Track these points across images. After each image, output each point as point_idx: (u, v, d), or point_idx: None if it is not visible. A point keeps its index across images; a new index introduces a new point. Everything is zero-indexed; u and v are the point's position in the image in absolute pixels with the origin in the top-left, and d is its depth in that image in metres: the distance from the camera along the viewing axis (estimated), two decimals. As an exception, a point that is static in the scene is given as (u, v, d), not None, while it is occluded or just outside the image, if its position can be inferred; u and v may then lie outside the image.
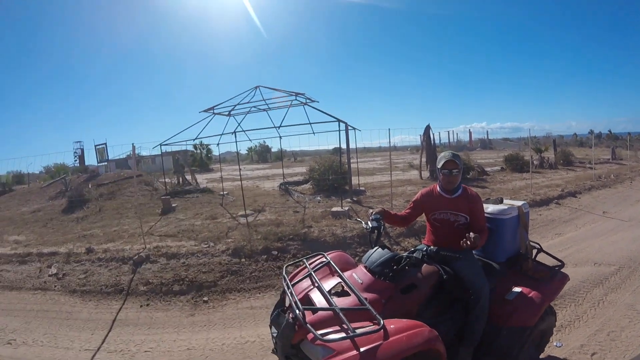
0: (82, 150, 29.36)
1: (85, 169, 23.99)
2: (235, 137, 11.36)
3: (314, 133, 13.75)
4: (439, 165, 3.13)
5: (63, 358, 4.39)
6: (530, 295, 3.06)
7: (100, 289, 6.25)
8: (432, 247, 2.84)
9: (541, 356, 3.62)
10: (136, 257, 6.94)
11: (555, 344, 3.94)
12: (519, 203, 3.57)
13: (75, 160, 28.67)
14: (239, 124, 12.81)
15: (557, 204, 11.17)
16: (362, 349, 2.10)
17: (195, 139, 14.38)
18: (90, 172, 20.38)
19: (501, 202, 3.61)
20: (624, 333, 4.11)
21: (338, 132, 11.01)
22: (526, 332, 3.00)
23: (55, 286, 6.53)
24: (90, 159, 28.71)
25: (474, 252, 3.22)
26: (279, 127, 12.61)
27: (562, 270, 3.45)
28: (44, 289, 6.51)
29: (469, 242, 2.69)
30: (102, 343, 4.68)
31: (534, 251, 3.64)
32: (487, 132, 57.75)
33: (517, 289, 3.14)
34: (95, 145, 26.66)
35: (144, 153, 26.51)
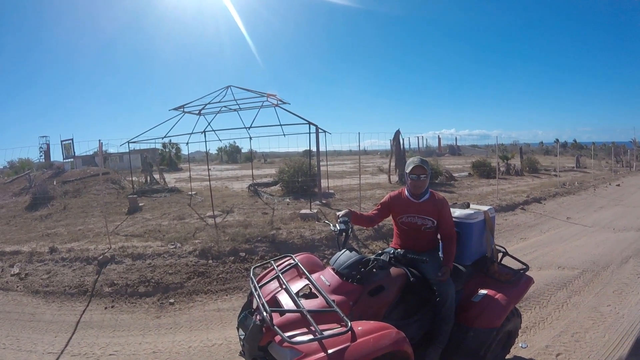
0: (48, 145, 28.46)
1: (51, 165, 23.23)
2: (205, 136, 11.22)
3: (284, 135, 13.77)
4: (407, 170, 3.16)
5: (26, 361, 4.23)
6: (496, 297, 3.13)
7: (64, 290, 6.04)
8: (399, 250, 2.86)
9: (507, 357, 3.69)
10: (101, 257, 6.75)
11: (520, 344, 4.02)
12: (485, 208, 3.64)
13: (41, 156, 27.77)
14: (209, 124, 12.66)
15: (523, 210, 11.48)
16: (329, 351, 2.09)
17: (165, 137, 14.16)
18: (56, 169, 19.74)
19: (468, 206, 3.68)
20: (587, 334, 4.24)
21: (308, 134, 11.01)
22: (492, 333, 3.06)
23: (17, 286, 6.29)
24: (56, 155, 27.85)
25: (440, 254, 3.28)
26: (249, 128, 12.50)
27: (526, 273, 3.54)
28: (6, 290, 6.25)
29: (443, 276, 2.85)
30: (66, 346, 4.53)
31: (500, 255, 3.73)
32: (456, 138, 59.00)
33: (483, 292, 3.20)
34: (62, 141, 25.78)
35: (112, 150, 25.84)
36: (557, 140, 38.44)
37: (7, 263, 7.08)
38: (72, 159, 25.78)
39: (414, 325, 2.84)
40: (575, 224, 10.01)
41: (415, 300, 2.95)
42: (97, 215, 10.70)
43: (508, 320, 3.26)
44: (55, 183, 14.95)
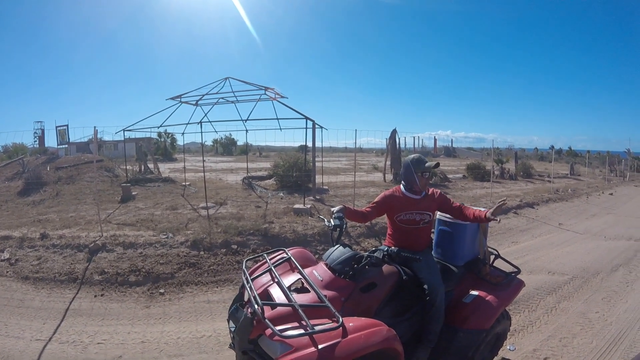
0: (43, 130, 28.31)
1: (45, 151, 23.09)
2: (201, 127, 11.15)
3: (280, 129, 13.73)
4: (423, 168, 3.16)
5: (13, 348, 4.16)
6: (486, 299, 3.14)
7: (53, 277, 5.98)
8: (393, 247, 2.86)
9: (495, 359, 3.70)
10: (92, 245, 6.71)
11: (508, 347, 4.05)
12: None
13: (35, 141, 27.62)
14: (205, 115, 12.57)
15: (515, 214, 11.54)
16: (320, 346, 2.10)
17: (160, 126, 14.06)
18: (50, 154, 19.61)
19: (463, 207, 3.68)
20: (575, 340, 4.27)
21: (305, 129, 10.97)
22: (482, 335, 3.08)
23: (7, 272, 6.21)
24: (51, 141, 27.69)
25: (433, 255, 3.29)
26: (245, 120, 12.44)
27: (518, 276, 3.55)
28: (-4, 275, 6.19)
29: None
30: (54, 333, 4.49)
31: (492, 257, 3.74)
32: (452, 140, 58.91)
33: (474, 293, 3.21)
34: (57, 127, 25.60)
35: (107, 138, 25.64)
36: (553, 146, 38.75)
37: (-3, 248, 7.00)
38: (66, 145, 25.62)
39: (404, 323, 2.84)
40: (567, 230, 10.08)
41: (407, 299, 2.96)
42: (89, 203, 10.64)
43: (498, 322, 3.27)
44: (48, 169, 14.84)
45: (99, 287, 5.73)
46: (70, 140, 25.60)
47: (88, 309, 5.16)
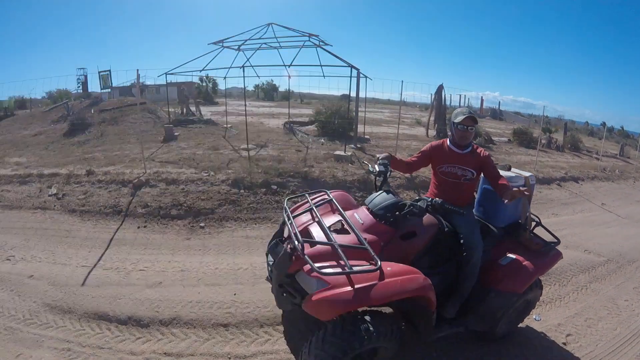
0: (86, 77, 28.62)
1: (88, 96, 23.50)
2: (244, 72, 11.05)
3: (324, 76, 13.47)
4: (457, 120, 3.10)
5: (60, 273, 4.42)
6: (523, 263, 3.10)
7: (99, 210, 6.28)
8: (437, 199, 2.79)
9: (519, 325, 3.71)
10: (136, 180, 6.97)
11: (535, 317, 4.03)
12: (527, 174, 3.55)
13: (79, 87, 28.03)
14: (247, 60, 12.36)
15: (559, 186, 11.14)
16: (356, 286, 2.14)
17: (202, 70, 14.01)
18: (94, 98, 19.98)
19: (509, 169, 3.61)
20: (600, 323, 4.16)
21: (349, 78, 10.65)
22: (513, 298, 3.08)
23: (54, 206, 6.53)
24: (94, 86, 28.06)
25: (475, 213, 3.26)
26: (289, 66, 12.19)
27: (557, 247, 3.49)
28: (44, 208, 6.50)
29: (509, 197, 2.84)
30: (99, 260, 4.75)
31: (533, 224, 3.66)
32: (499, 102, 55.97)
33: (511, 256, 3.17)
34: (99, 72, 25.85)
35: (149, 82, 25.75)
36: (604, 123, 36.64)
37: (45, 184, 7.33)
38: (109, 90, 25.98)
39: (437, 276, 2.85)
40: (609, 211, 9.68)
41: (444, 252, 2.97)
42: (133, 142, 10.87)
43: (530, 289, 3.25)
44: (92, 112, 15.11)
45: (142, 219, 5.99)
46: (113, 85, 25.93)
47: (131, 239, 5.43)
